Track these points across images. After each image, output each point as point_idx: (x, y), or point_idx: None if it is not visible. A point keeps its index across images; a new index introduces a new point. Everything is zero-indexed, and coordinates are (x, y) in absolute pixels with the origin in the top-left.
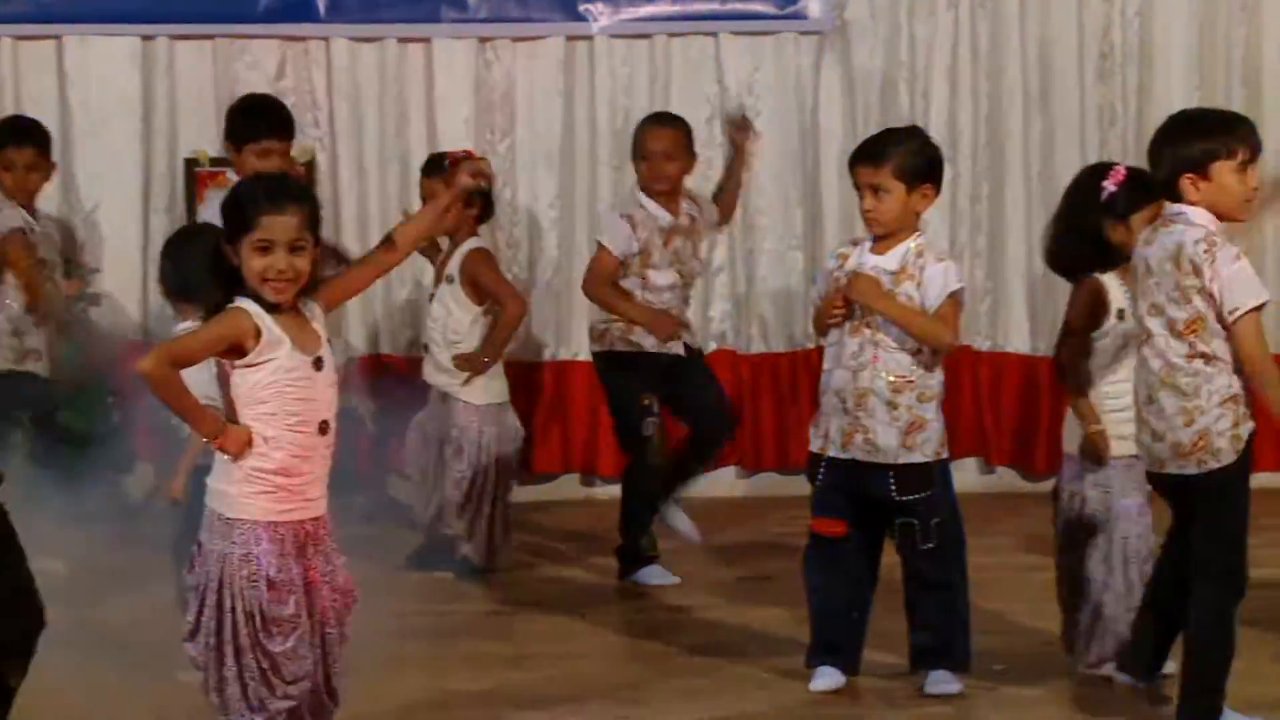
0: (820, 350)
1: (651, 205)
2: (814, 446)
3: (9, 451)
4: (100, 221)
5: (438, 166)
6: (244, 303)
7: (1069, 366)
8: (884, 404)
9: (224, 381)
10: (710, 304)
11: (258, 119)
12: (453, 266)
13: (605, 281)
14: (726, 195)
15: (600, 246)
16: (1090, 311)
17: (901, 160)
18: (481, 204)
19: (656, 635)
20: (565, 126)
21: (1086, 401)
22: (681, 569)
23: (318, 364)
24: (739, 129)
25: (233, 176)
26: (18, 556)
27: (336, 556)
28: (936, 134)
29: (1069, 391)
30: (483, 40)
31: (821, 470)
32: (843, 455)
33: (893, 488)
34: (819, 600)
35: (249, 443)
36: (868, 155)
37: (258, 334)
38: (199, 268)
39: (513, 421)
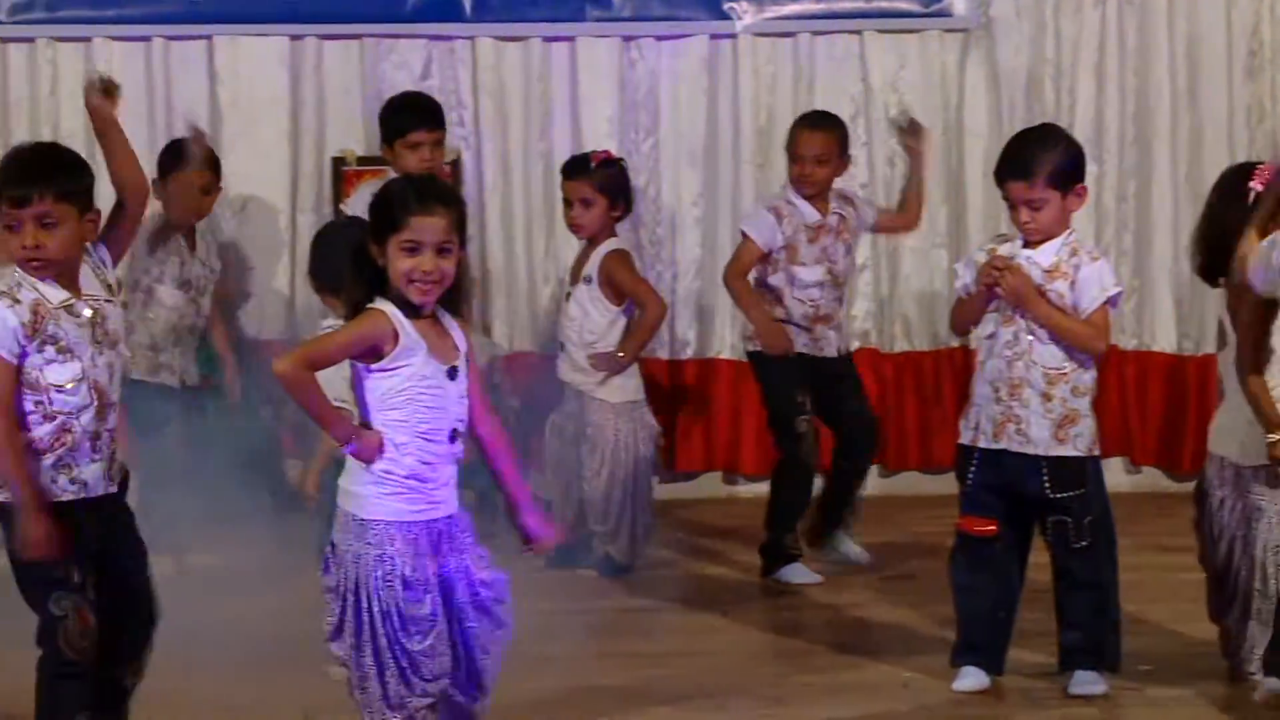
0: (964, 349)
1: (800, 202)
2: (964, 439)
3: (153, 455)
4: (248, 219)
5: (581, 168)
6: (383, 305)
7: (1253, 373)
8: (1038, 395)
9: (358, 385)
10: (853, 302)
11: (404, 112)
12: (591, 267)
13: (743, 273)
14: (909, 199)
15: (745, 236)
16: (1262, 316)
17: (1052, 169)
18: (623, 204)
19: (799, 633)
20: (709, 125)
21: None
22: (827, 567)
23: (452, 373)
24: (911, 134)
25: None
26: (139, 559)
27: (474, 552)
28: (1081, 132)
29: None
30: (627, 39)
31: (973, 466)
32: (994, 446)
33: (1046, 485)
34: (965, 600)
35: (381, 448)
36: (1018, 170)
37: (395, 337)
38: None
39: (649, 419)
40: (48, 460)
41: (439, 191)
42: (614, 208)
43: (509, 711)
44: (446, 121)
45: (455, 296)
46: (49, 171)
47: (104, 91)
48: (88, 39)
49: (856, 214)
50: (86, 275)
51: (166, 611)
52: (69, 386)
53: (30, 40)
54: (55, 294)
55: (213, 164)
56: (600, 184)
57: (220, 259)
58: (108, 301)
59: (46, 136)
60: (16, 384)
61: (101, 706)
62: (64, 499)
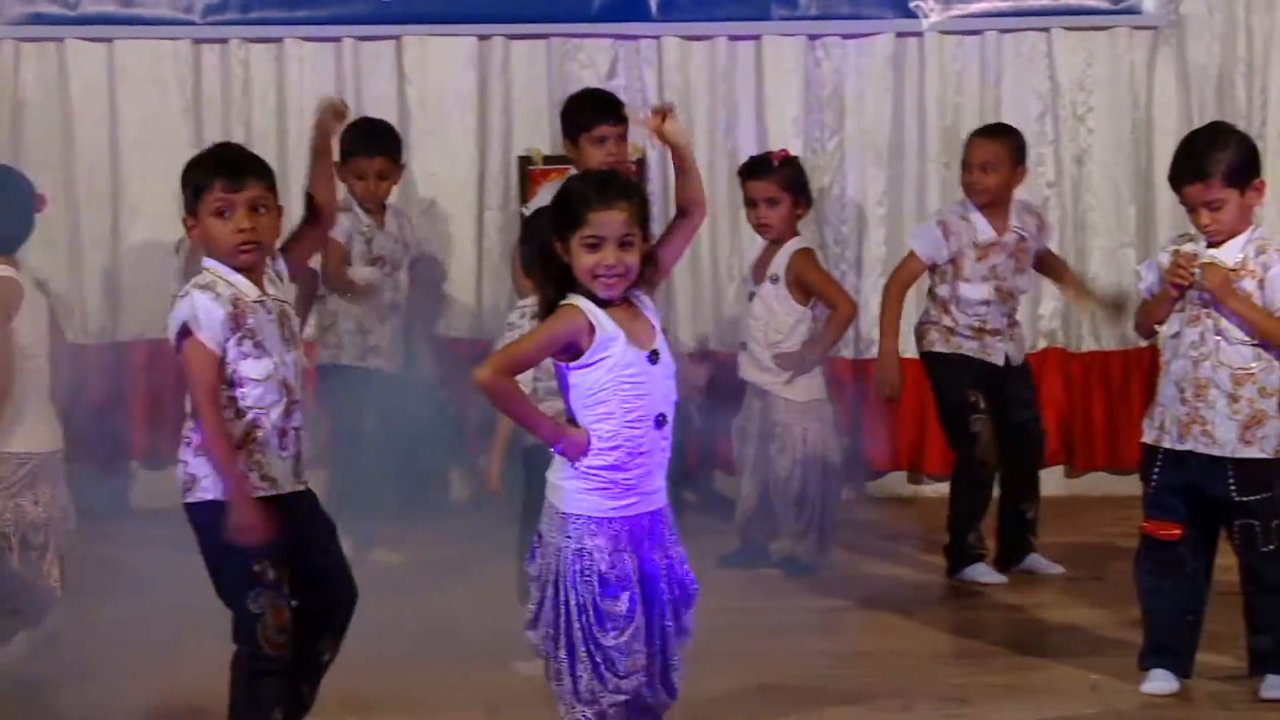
0: (1152, 349)
1: (976, 217)
2: (1148, 438)
3: (356, 444)
4: (435, 218)
5: (765, 167)
6: (576, 299)
7: None
8: (1225, 396)
9: (561, 383)
10: (1040, 302)
11: (588, 106)
12: (777, 266)
13: (903, 284)
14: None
15: (911, 251)
16: None
17: (1227, 168)
18: (804, 202)
19: (983, 634)
20: (894, 124)
21: None
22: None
23: (653, 357)
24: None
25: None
26: (330, 540)
27: (676, 549)
28: (1276, 130)
29: None
30: (812, 38)
31: (1157, 466)
32: (1179, 446)
33: (1232, 487)
34: (1152, 603)
35: (587, 446)
36: (1192, 173)
37: (592, 331)
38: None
39: (834, 418)
40: (239, 456)
41: (618, 185)
42: (798, 205)
43: (693, 709)
44: (631, 121)
45: (642, 287)
46: (258, 161)
47: (336, 114)
48: (279, 40)
49: (1038, 234)
50: (270, 279)
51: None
52: (262, 381)
53: (223, 41)
54: (250, 290)
55: (393, 150)
56: (785, 182)
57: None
58: (288, 304)
59: (238, 137)
60: (216, 369)
61: (298, 674)
62: (255, 495)
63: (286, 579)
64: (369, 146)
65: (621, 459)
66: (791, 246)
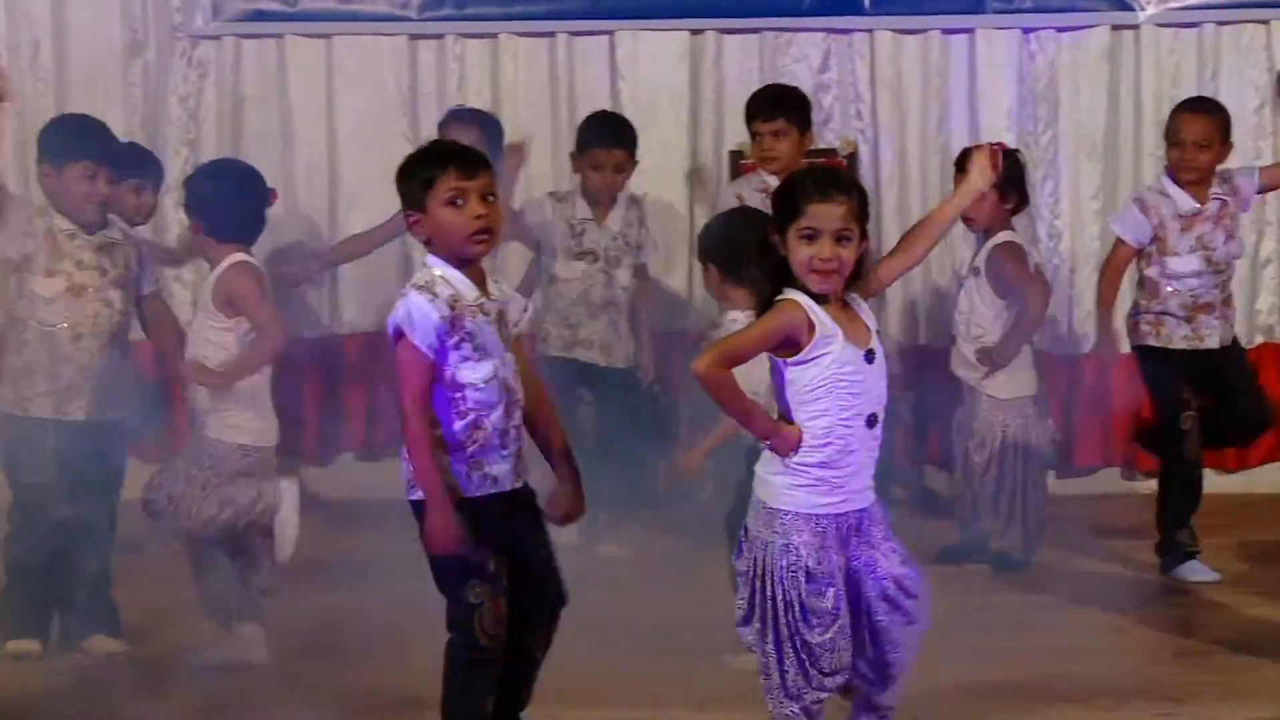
0: None
1: (1174, 190)
2: None
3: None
4: (648, 212)
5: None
6: (795, 294)
7: None
8: None
9: (776, 378)
10: (1257, 296)
11: (761, 99)
12: (981, 259)
13: (1116, 272)
14: None
15: (1117, 238)
16: None
17: None
18: (1017, 196)
19: (1197, 632)
20: (1109, 117)
21: None
22: (1222, 565)
23: (869, 356)
24: None
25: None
26: (544, 539)
27: (887, 544)
28: None
29: None
30: (1027, 31)
31: None
32: None
33: None
34: None
35: (799, 443)
36: None
37: (811, 327)
38: (748, 248)
39: (1043, 414)
40: (461, 457)
41: (839, 180)
42: (1005, 200)
43: (906, 706)
44: (844, 114)
45: (855, 283)
46: (481, 153)
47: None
48: (494, 35)
49: (1237, 193)
50: (498, 281)
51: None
52: (482, 384)
53: (439, 37)
54: (469, 291)
55: (632, 144)
56: None
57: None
58: (507, 302)
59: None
60: (431, 380)
61: (514, 673)
62: (477, 495)
63: (504, 573)
64: (610, 139)
65: (832, 456)
66: (995, 240)
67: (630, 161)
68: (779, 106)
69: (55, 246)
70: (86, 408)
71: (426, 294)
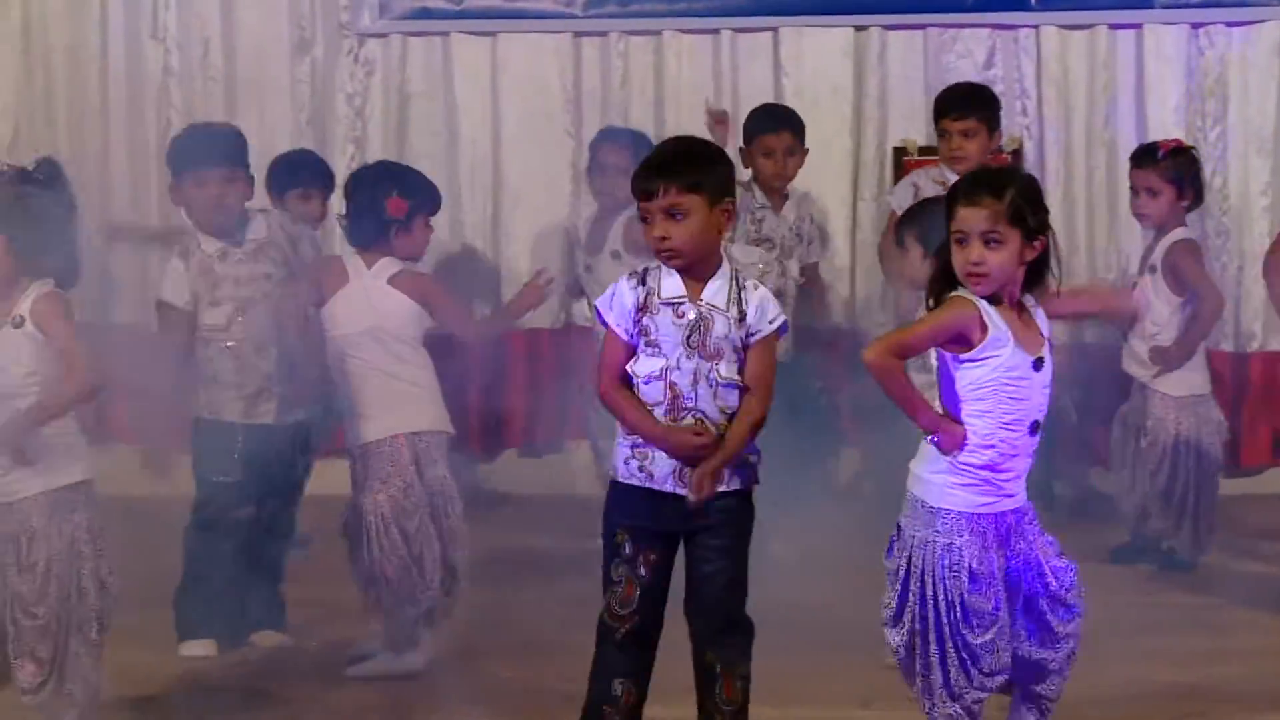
0: None
1: None
2: None
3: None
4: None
5: (1148, 157)
6: (968, 293)
7: None
8: None
9: (943, 375)
10: None
11: (952, 97)
12: (1156, 256)
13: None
14: None
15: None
16: None
17: None
18: (1193, 193)
19: None
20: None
21: None
22: None
23: (1037, 364)
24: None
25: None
26: (718, 553)
27: (1042, 540)
28: None
29: None
30: (1196, 26)
31: None
32: None
33: None
34: None
35: (963, 441)
36: None
37: (983, 327)
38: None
39: (1214, 414)
40: (626, 441)
41: (988, 181)
42: (1181, 197)
43: (1070, 707)
44: (1009, 110)
45: (1035, 282)
46: (672, 164)
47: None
48: (658, 32)
49: None
50: (717, 287)
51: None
52: (645, 380)
53: (603, 34)
54: (671, 288)
55: (799, 129)
56: (1167, 173)
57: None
58: (721, 313)
59: None
60: (625, 359)
61: (698, 685)
62: (628, 483)
63: (650, 563)
64: (775, 124)
65: (995, 459)
66: (1172, 237)
67: (799, 146)
68: (970, 105)
69: (211, 276)
70: (275, 411)
71: (635, 279)
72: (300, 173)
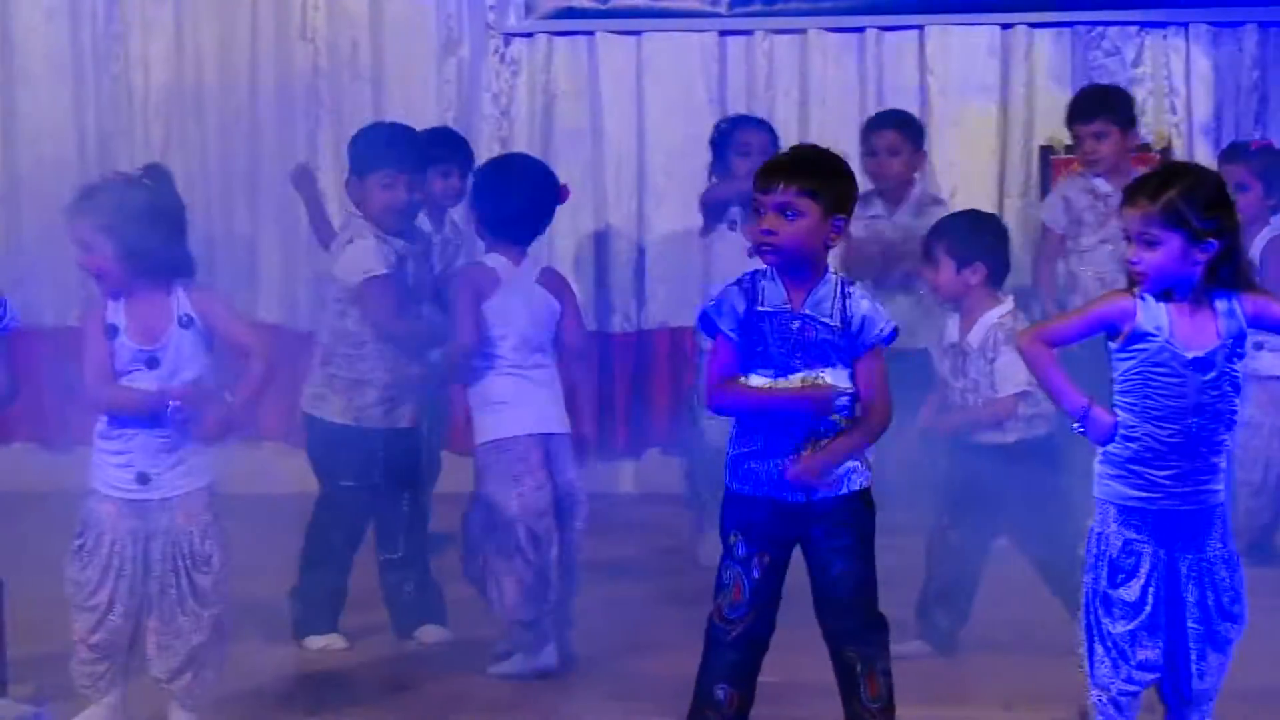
0: None
1: None
2: None
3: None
4: (955, 208)
5: (1236, 154)
6: (1132, 289)
7: None
8: None
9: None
10: None
11: (1080, 101)
12: (1254, 251)
13: None
14: None
15: None
16: None
17: None
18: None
19: None
20: None
21: None
22: None
23: (1199, 364)
24: None
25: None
26: (844, 558)
27: (1216, 550)
28: None
29: None
30: None
31: None
32: None
33: None
34: None
35: (1111, 430)
36: None
37: (1135, 318)
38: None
39: None
40: (739, 451)
41: (1149, 183)
42: (1269, 195)
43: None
44: (1158, 109)
45: (1233, 279)
46: (797, 165)
47: None
48: (803, 31)
49: None
50: (820, 296)
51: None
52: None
53: (748, 34)
54: (774, 296)
55: (916, 134)
56: (1256, 169)
57: None
58: (823, 322)
59: None
60: (735, 363)
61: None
62: (745, 490)
63: (763, 565)
64: (881, 124)
65: (1141, 453)
66: (1265, 235)
67: (904, 146)
68: (1098, 107)
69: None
70: (411, 414)
71: (741, 288)
72: (439, 150)
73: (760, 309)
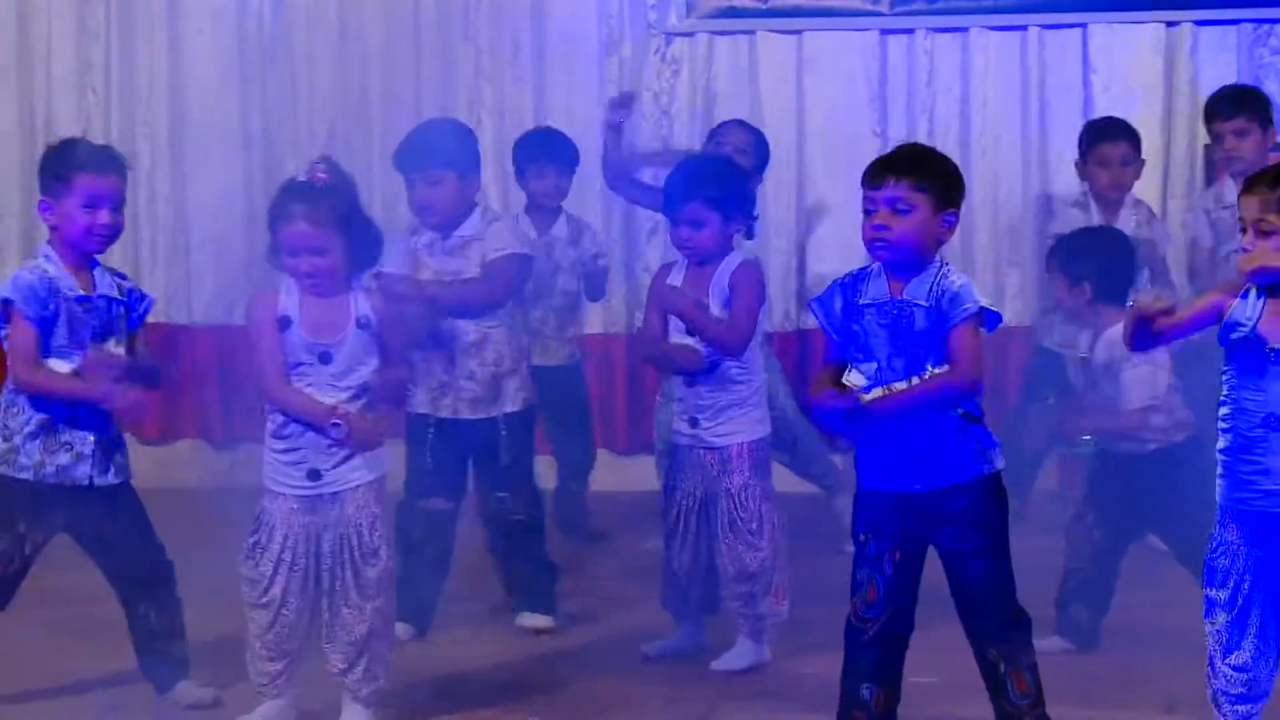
0: None
1: None
2: None
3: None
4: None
5: None
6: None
7: None
8: None
9: None
10: None
11: (1219, 100)
12: None
13: None
14: None
15: None
16: None
17: None
18: None
19: None
20: None
21: None
22: None
23: (1274, 354)
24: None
25: None
26: (976, 558)
27: None
28: None
29: None
30: None
31: None
32: None
33: None
34: None
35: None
36: None
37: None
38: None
39: None
40: (864, 450)
41: (1266, 172)
42: None
43: None
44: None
45: None
46: (906, 162)
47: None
48: (965, 30)
49: None
50: (918, 282)
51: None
52: (858, 381)
53: (909, 32)
54: (876, 290)
55: (1135, 139)
56: None
57: None
58: (920, 306)
59: (921, 127)
60: (831, 356)
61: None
62: (872, 488)
63: (895, 561)
64: (1115, 134)
65: (1231, 446)
66: None
67: (1135, 156)
68: (1237, 105)
69: (416, 262)
70: (500, 404)
71: (844, 284)
72: (540, 150)
73: (861, 302)
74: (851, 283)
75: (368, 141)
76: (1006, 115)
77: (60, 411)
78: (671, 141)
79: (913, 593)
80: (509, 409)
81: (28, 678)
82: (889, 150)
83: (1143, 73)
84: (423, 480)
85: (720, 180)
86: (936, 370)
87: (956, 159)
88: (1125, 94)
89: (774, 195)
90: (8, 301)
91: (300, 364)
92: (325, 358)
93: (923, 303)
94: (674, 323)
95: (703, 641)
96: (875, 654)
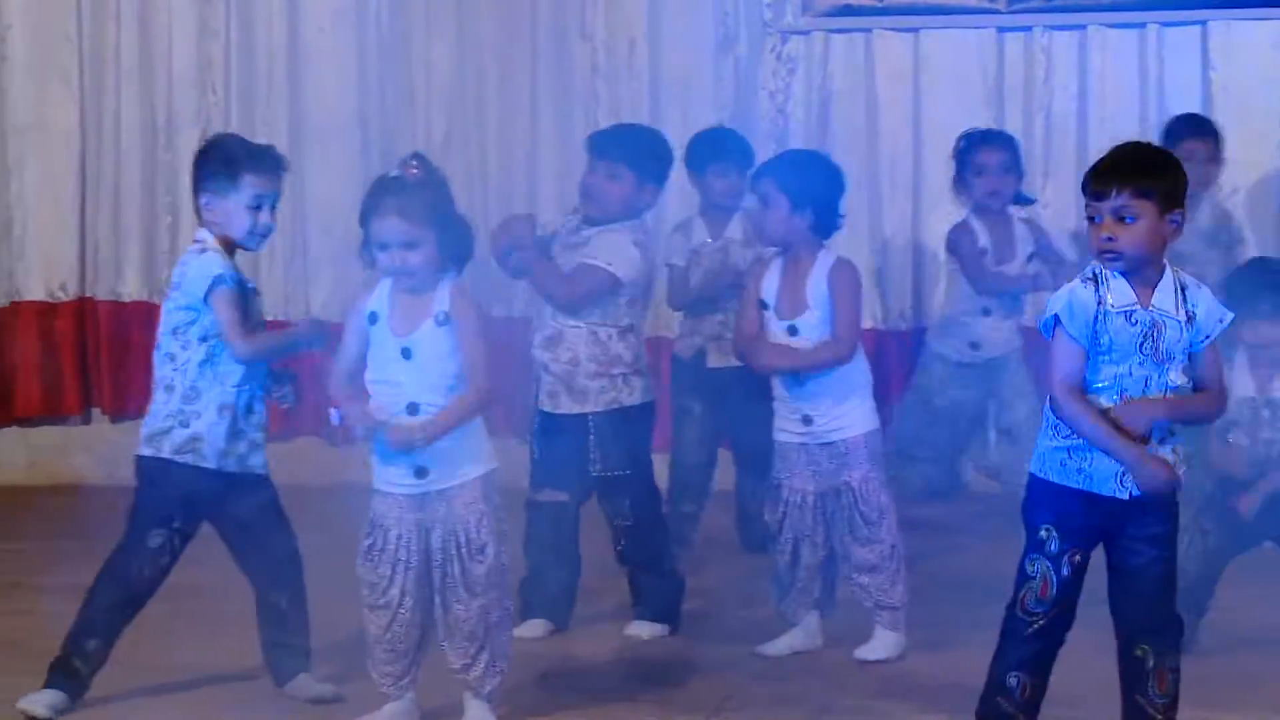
0: None
1: None
2: None
3: None
4: (1237, 207)
5: None
6: None
7: None
8: None
9: None
10: None
11: None
12: None
13: None
14: None
15: None
16: None
17: None
18: None
19: None
20: None
21: None
22: None
23: None
24: None
25: None
26: (1148, 558)
27: None
28: None
29: None
30: None
31: None
32: None
33: None
34: None
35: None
36: None
37: None
38: None
39: None
40: (1061, 445)
41: None
42: None
43: None
44: None
45: None
46: (1127, 168)
47: None
48: (1083, 27)
49: None
50: (1165, 292)
51: None
52: (1102, 384)
53: (1026, 30)
54: (1120, 295)
55: (1215, 135)
56: None
57: None
58: (1171, 317)
59: (1038, 125)
60: (1083, 365)
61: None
62: (1066, 484)
63: (1074, 563)
64: (1202, 131)
65: None
66: None
67: (1219, 153)
68: None
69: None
70: (584, 404)
71: (1088, 286)
72: (718, 149)
73: (1108, 308)
74: (1096, 288)
75: (484, 142)
76: (1124, 113)
77: (243, 399)
78: (787, 140)
79: (1080, 590)
80: (593, 409)
81: (146, 672)
82: (1108, 154)
83: (1264, 69)
84: (536, 471)
85: (798, 170)
86: (1196, 394)
87: (1072, 159)
88: (1245, 91)
89: (889, 194)
90: (220, 279)
91: (388, 360)
92: (406, 353)
93: (1172, 313)
94: (772, 320)
95: (818, 642)
96: (1033, 646)
